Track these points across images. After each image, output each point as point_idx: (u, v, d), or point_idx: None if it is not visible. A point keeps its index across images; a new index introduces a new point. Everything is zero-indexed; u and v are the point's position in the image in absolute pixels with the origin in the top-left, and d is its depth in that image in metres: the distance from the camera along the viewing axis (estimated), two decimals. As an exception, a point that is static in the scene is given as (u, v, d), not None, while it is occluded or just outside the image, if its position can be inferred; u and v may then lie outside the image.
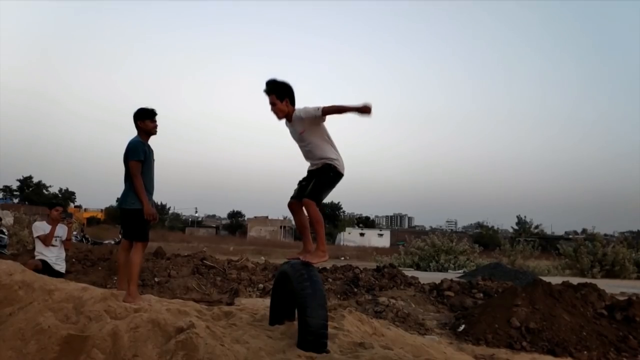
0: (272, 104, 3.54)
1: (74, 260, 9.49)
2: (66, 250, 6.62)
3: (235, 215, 74.58)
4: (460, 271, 17.88)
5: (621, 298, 7.43)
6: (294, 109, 3.58)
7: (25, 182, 59.03)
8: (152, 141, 4.44)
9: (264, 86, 3.54)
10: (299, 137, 3.63)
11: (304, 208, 3.56)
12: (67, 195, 59.86)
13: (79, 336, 3.03)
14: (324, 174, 3.55)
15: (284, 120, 3.68)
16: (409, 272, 12.20)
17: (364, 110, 3.29)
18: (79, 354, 2.93)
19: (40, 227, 6.35)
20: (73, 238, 9.34)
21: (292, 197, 3.72)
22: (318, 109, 3.43)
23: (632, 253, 21.81)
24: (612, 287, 11.60)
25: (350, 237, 56.18)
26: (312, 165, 3.71)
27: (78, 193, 62.73)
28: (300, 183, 3.74)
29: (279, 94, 3.53)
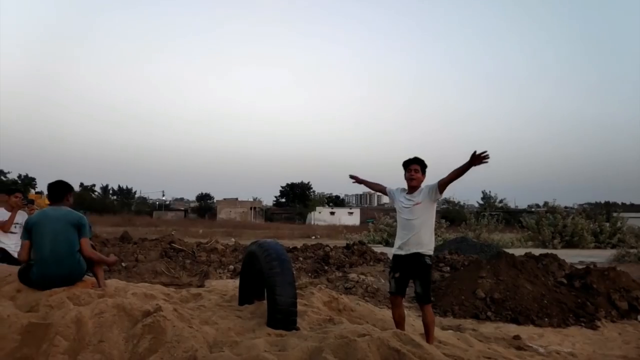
0: (416, 171, 3.89)
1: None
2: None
3: (204, 198, 73.61)
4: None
5: (580, 267, 7.77)
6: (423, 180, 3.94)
7: (-19, 169, 56.50)
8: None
9: (413, 158, 3.96)
10: (411, 209, 3.82)
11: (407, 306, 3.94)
12: (27, 182, 57.65)
13: (41, 324, 2.94)
14: (426, 273, 3.79)
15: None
16: (378, 249, 12.39)
17: (476, 161, 3.50)
18: (42, 342, 2.85)
19: (-1, 214, 6.11)
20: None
21: (392, 293, 3.94)
22: (435, 189, 3.77)
23: (590, 224, 22.75)
24: (572, 256, 12.11)
25: (320, 216, 56.34)
26: (404, 248, 3.80)
27: (39, 179, 60.49)
28: (394, 276, 3.88)
29: (423, 168, 3.94)
